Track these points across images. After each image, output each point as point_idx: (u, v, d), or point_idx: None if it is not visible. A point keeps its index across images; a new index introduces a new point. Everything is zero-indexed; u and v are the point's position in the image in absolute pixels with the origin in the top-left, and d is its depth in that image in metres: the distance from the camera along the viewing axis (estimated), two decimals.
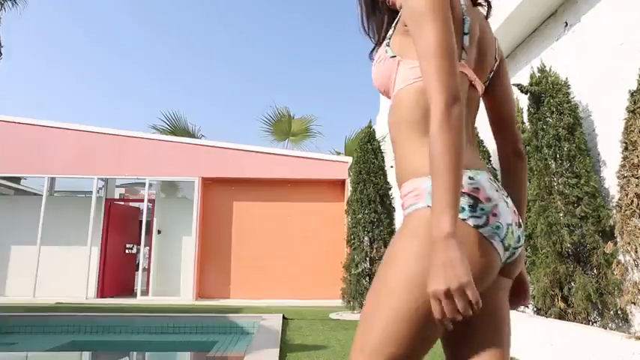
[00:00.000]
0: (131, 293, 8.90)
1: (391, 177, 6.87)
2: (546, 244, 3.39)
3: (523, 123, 4.40)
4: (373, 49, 1.16)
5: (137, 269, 9.60)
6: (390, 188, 6.80)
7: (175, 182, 10.04)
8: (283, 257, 8.89)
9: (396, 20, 1.02)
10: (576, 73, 3.83)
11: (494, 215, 0.86)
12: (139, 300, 8.51)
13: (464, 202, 0.85)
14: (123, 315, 6.19)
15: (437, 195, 0.78)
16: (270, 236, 9.06)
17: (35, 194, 10.66)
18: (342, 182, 8.94)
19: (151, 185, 9.37)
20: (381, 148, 6.81)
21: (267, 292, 8.78)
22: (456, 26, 0.91)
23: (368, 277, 6.48)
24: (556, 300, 3.36)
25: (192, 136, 11.30)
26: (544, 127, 3.58)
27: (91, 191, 9.01)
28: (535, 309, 4.01)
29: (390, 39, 1.01)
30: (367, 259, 6.49)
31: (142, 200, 9.47)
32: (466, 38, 0.94)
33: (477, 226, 0.84)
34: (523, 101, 4.28)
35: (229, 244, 9.11)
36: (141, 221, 9.58)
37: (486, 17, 1.06)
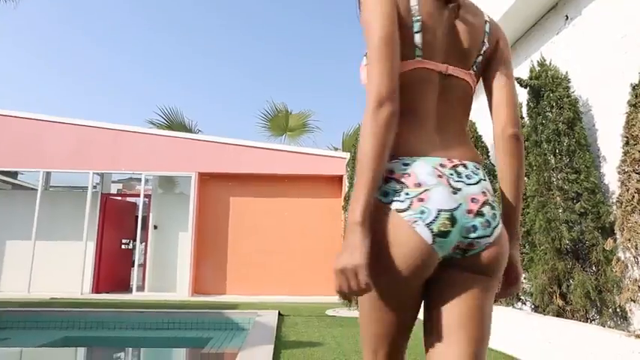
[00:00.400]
0: (127, 289, 8.84)
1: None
2: (545, 241, 3.34)
3: (522, 118, 4.35)
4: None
5: (133, 265, 9.53)
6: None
7: (172, 177, 9.98)
8: (280, 253, 8.84)
9: None
10: (576, 67, 3.76)
11: (421, 200, 0.90)
12: (135, 296, 8.45)
13: (390, 187, 0.92)
14: (117, 311, 6.13)
15: (355, 188, 0.89)
16: (267, 232, 9.00)
17: (31, 189, 10.58)
18: (340, 178, 8.88)
19: (147, 181, 9.29)
20: None
21: (264, 289, 8.73)
22: (404, 30, 0.98)
23: None
24: (554, 297, 3.31)
25: (190, 131, 11.23)
26: (543, 121, 3.52)
27: (87, 186, 8.94)
28: (533, 306, 3.97)
29: None
30: None
31: (138, 195, 9.39)
32: (417, 36, 0.99)
33: (398, 210, 0.90)
34: (522, 96, 4.21)
35: (226, 239, 9.06)
36: (137, 216, 9.52)
37: (456, 17, 1.07)
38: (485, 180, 0.99)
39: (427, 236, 0.88)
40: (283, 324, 5.39)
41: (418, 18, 1.00)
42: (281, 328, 5.08)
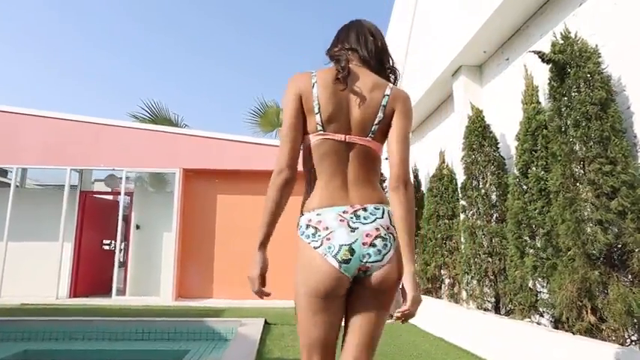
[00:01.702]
0: (108, 292, 8.26)
1: (385, 168, 6.26)
2: (573, 245, 2.79)
3: (539, 103, 3.80)
4: None
5: (115, 267, 8.95)
6: (383, 181, 6.20)
7: (155, 174, 9.38)
8: (270, 255, 8.23)
9: None
10: (605, 41, 3.21)
11: (328, 239, 1.30)
12: (114, 300, 7.88)
13: (309, 231, 1.35)
14: (85, 319, 5.56)
15: (259, 226, 1.41)
16: (256, 232, 8.42)
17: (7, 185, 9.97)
18: None
19: (128, 178, 8.70)
20: None
21: (253, 293, 8.16)
22: (310, 113, 1.35)
23: None
24: (584, 312, 2.76)
25: (176, 126, 10.65)
26: (569, 103, 2.97)
27: (64, 184, 8.35)
28: (552, 320, 3.42)
29: None
30: None
31: (118, 193, 8.81)
32: (317, 116, 1.34)
33: (314, 247, 1.32)
34: (542, 75, 3.66)
35: (212, 240, 8.49)
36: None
37: (394, 82, 1.46)
38: (381, 218, 1.31)
39: (335, 264, 1.28)
40: (269, 335, 4.84)
41: (317, 103, 1.33)
42: (265, 340, 4.53)
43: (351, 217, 1.28)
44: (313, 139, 1.34)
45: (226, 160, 8.48)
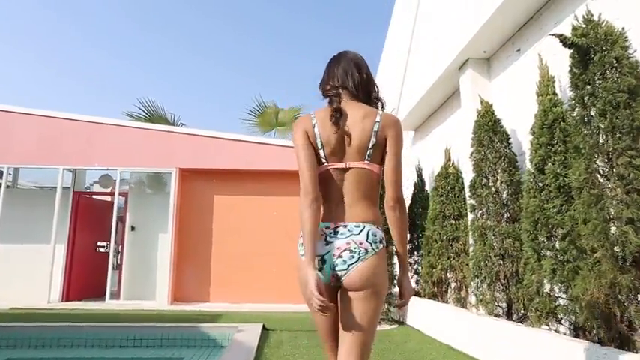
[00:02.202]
0: (102, 296, 8.00)
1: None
2: (599, 246, 2.53)
3: (555, 94, 3.55)
4: None
5: (109, 269, 8.67)
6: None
7: (151, 174, 9.13)
8: (269, 256, 8.01)
9: None
10: (631, 25, 2.96)
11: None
12: (107, 304, 7.62)
13: (299, 241, 1.60)
14: (75, 325, 5.30)
15: (303, 241, 1.56)
16: (255, 233, 8.19)
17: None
18: None
19: (122, 179, 8.44)
20: None
21: (251, 296, 7.91)
22: (315, 148, 1.61)
23: None
24: (612, 320, 2.51)
25: (172, 125, 10.39)
26: (594, 91, 2.71)
27: (57, 184, 8.09)
28: (572, 327, 3.16)
29: None
30: None
31: (113, 194, 8.55)
32: (321, 151, 1.59)
33: (302, 255, 1.57)
34: (556, 67, 3.41)
35: (209, 242, 8.23)
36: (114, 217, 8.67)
37: (382, 109, 1.69)
38: (357, 235, 1.52)
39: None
40: (267, 343, 4.58)
41: (320, 140, 1.60)
42: (262, 348, 4.26)
43: (330, 233, 1.53)
44: (320, 171, 1.59)
45: (224, 160, 8.22)
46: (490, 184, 4.34)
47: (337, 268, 1.50)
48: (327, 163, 1.58)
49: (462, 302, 5.38)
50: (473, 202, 4.53)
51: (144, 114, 9.96)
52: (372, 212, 1.56)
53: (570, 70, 2.89)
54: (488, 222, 4.20)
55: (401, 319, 5.81)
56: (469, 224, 4.60)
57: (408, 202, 6.96)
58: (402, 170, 1.59)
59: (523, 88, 4.38)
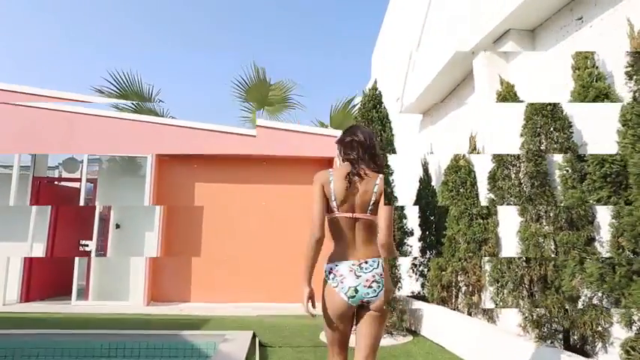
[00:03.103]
0: (67, 295, 7.17)
1: (391, 160, 5.38)
2: None
3: (595, 67, 2.99)
4: None
5: (75, 264, 7.80)
6: (391, 173, 5.30)
7: (124, 158, 8.21)
8: (258, 250, 7.35)
9: None
10: None
11: (342, 282, 2.05)
12: (73, 306, 6.81)
13: (330, 276, 2.09)
14: (36, 333, 4.57)
15: (303, 270, 2.09)
16: (242, 225, 7.48)
17: None
18: (330, 161, 7.36)
19: (90, 160, 7.53)
20: (389, 117, 5.23)
21: (237, 294, 7.25)
22: (329, 199, 2.12)
23: None
24: None
25: (149, 100, 9.38)
26: None
27: (13, 166, 7.11)
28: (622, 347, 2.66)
29: None
30: None
31: (79, 180, 7.62)
32: (334, 202, 2.10)
33: (333, 286, 2.07)
34: (610, 60, 2.82)
35: (190, 234, 7.48)
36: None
37: (381, 170, 2.19)
38: (377, 268, 2.07)
39: (345, 298, 2.03)
40: (255, 356, 3.96)
41: (333, 193, 2.10)
42: None
43: (357, 268, 2.07)
44: (331, 216, 2.13)
45: (206, 145, 7.40)
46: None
47: (369, 296, 2.03)
48: (338, 211, 2.10)
49: (473, 307, 4.92)
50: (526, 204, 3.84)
51: (116, 89, 8.89)
52: (376, 248, 2.10)
53: (628, 64, 2.30)
54: (546, 227, 3.59)
55: (412, 328, 5.29)
56: (521, 229, 3.91)
57: (413, 198, 6.38)
58: (392, 217, 2.11)
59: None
